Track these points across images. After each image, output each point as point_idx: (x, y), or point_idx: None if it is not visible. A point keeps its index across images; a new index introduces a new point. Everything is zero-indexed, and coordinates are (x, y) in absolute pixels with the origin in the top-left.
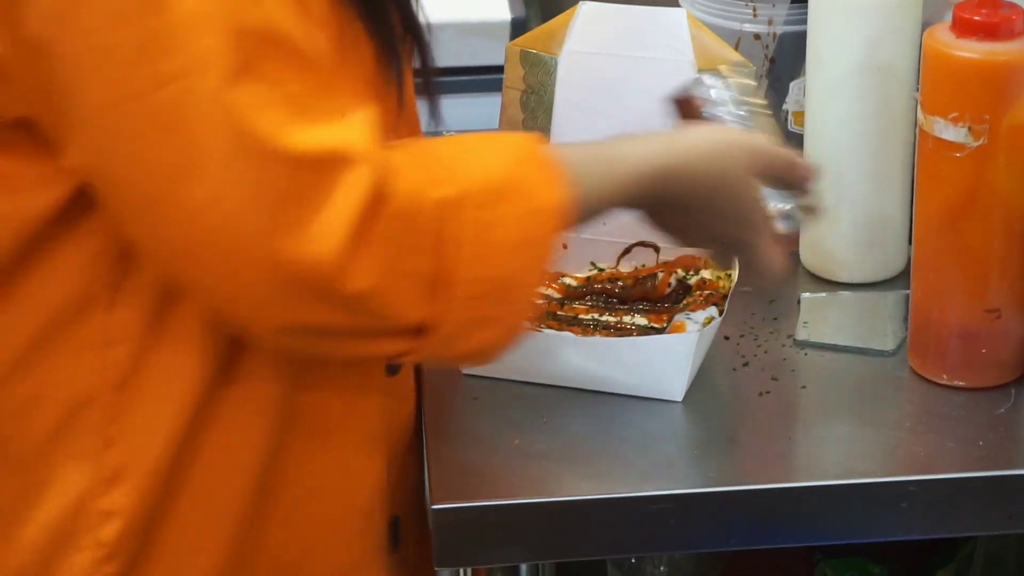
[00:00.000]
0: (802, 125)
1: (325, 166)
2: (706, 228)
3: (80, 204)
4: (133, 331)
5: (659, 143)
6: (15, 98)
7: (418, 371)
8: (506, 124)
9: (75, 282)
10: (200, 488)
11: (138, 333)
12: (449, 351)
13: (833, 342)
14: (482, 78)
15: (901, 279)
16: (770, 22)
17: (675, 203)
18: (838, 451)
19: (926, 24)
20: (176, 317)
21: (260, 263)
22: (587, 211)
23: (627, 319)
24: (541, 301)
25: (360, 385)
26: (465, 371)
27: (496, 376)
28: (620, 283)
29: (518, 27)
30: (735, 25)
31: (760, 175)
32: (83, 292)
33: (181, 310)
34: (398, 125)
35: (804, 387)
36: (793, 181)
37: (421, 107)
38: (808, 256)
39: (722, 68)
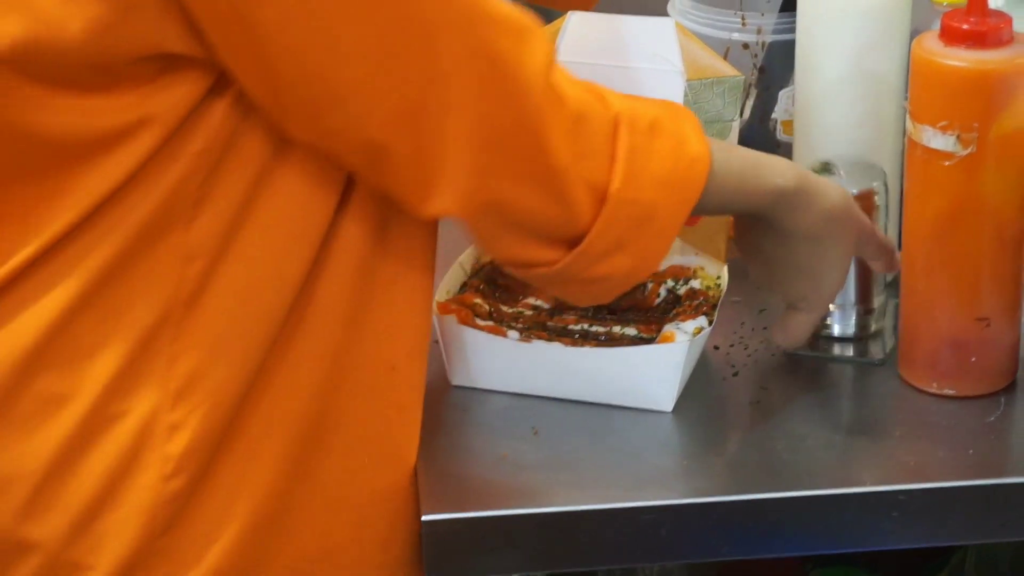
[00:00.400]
0: (791, 134)
1: (521, 28)
2: (785, 266)
3: (181, 130)
4: (209, 247)
5: (796, 167)
6: (180, 27)
7: None
8: None
9: (161, 201)
10: (267, 406)
11: (213, 249)
12: (584, 272)
13: (823, 351)
14: None
15: (891, 287)
16: (759, 31)
17: (781, 224)
18: (828, 460)
19: (915, 32)
20: (250, 234)
21: (469, 117)
22: (717, 192)
23: (617, 329)
24: (531, 312)
25: (413, 340)
26: (454, 382)
27: (485, 387)
28: None
29: None
30: (724, 34)
31: (858, 248)
32: (168, 210)
33: (255, 227)
34: None
35: (794, 397)
36: (877, 265)
37: None
38: None
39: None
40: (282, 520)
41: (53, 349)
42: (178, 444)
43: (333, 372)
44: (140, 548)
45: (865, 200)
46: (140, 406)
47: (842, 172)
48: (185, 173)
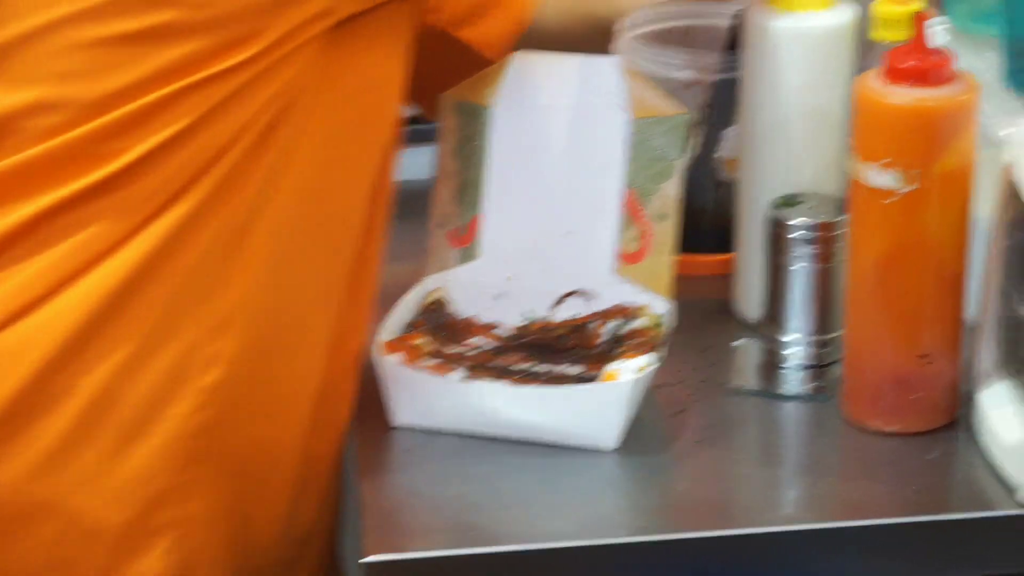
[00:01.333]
0: (736, 172)
1: None
2: None
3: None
4: (252, 184)
5: None
6: None
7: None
8: (441, 174)
9: (221, 145)
10: (293, 338)
11: (256, 187)
12: None
13: (766, 389)
14: (416, 128)
15: None
16: (703, 70)
17: None
18: (773, 498)
19: (858, 71)
20: (292, 172)
21: None
22: None
23: (561, 368)
24: (475, 352)
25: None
26: (398, 422)
27: (430, 427)
28: (554, 332)
29: None
30: (669, 73)
31: None
32: (228, 143)
33: (299, 164)
34: None
35: (738, 434)
36: None
37: None
38: (741, 303)
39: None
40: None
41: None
42: (212, 377)
43: (340, 318)
44: (169, 481)
45: (827, 231)
46: (181, 339)
47: (807, 204)
48: (253, 111)
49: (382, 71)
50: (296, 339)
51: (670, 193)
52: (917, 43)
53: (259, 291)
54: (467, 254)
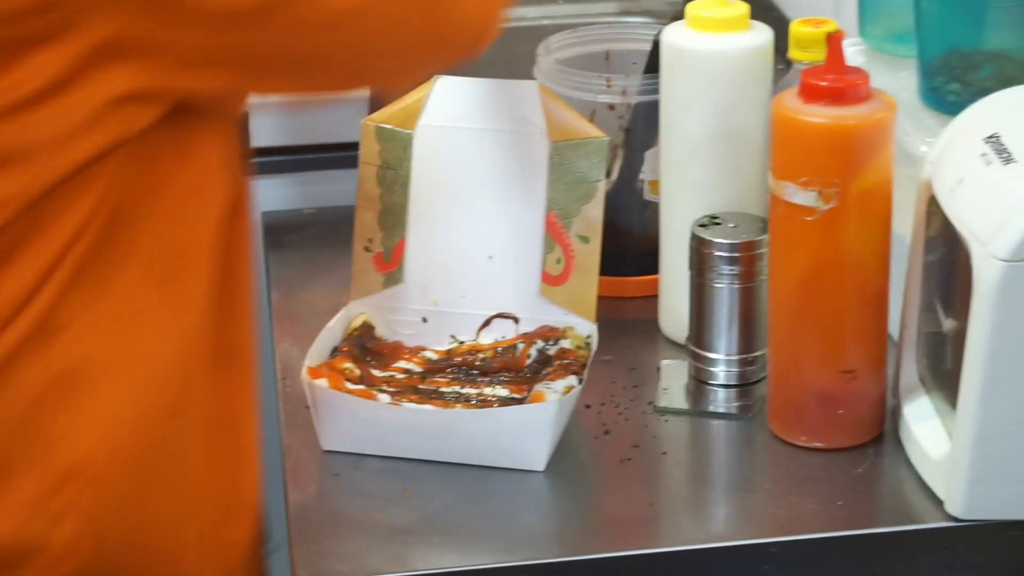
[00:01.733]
0: (658, 193)
1: None
2: None
3: (57, 198)
4: (75, 320)
5: None
6: None
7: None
8: (363, 200)
9: (31, 276)
10: (159, 465)
11: (81, 323)
12: None
13: (693, 408)
14: (339, 155)
15: None
16: (624, 92)
17: None
18: (700, 516)
19: (776, 91)
20: (115, 298)
21: None
22: None
23: (488, 391)
24: (402, 375)
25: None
26: (326, 447)
27: (357, 451)
28: (481, 355)
29: (377, 103)
30: (589, 96)
31: None
32: (36, 285)
33: (128, 297)
34: None
35: (665, 453)
36: None
37: None
38: (667, 323)
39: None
40: None
41: None
42: (63, 533)
43: (215, 412)
44: None
45: (749, 250)
46: (20, 495)
47: (730, 224)
48: (63, 245)
49: (210, 161)
50: (162, 465)
51: (592, 215)
52: (833, 63)
53: (107, 432)
54: (392, 278)
